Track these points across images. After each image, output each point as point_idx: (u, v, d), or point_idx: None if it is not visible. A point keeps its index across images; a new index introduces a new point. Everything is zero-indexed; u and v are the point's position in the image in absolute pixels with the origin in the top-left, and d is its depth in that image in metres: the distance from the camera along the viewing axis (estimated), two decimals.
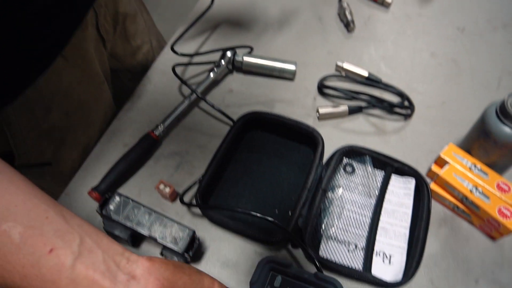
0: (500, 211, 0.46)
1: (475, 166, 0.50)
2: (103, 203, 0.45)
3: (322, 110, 0.61)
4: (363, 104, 0.62)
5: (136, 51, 0.72)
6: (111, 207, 0.45)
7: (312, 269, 0.46)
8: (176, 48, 0.65)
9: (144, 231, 0.44)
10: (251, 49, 0.69)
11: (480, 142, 0.49)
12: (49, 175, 0.57)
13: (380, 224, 0.50)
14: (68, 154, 0.58)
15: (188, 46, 0.72)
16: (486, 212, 0.46)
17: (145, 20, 0.73)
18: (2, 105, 0.46)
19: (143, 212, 0.45)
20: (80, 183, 0.57)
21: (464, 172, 0.49)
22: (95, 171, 0.57)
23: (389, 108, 0.61)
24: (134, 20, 0.69)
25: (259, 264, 0.44)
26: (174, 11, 2.14)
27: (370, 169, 0.54)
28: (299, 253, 0.50)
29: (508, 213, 0.46)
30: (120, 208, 0.45)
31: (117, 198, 0.46)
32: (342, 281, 0.47)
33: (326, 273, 0.48)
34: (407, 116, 0.61)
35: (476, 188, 0.48)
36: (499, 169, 0.50)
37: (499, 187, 0.48)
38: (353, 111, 0.61)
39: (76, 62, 0.55)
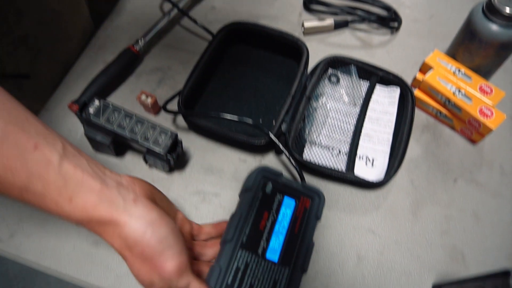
0: (481, 111, 0.46)
1: (459, 70, 0.50)
2: (83, 107, 0.44)
3: (307, 24, 0.59)
4: (349, 18, 0.60)
5: None
6: (91, 110, 0.44)
7: (295, 175, 0.47)
8: None
9: (125, 133, 0.44)
10: None
11: (465, 45, 0.48)
12: (29, 90, 0.56)
13: (364, 131, 0.51)
14: (47, 68, 0.56)
15: None
16: (468, 112, 0.47)
17: None
18: None
19: (124, 115, 0.45)
20: (60, 98, 0.56)
21: (448, 76, 0.49)
22: (75, 87, 0.56)
23: (376, 21, 0.59)
24: None
25: (253, 172, 0.43)
26: None
27: (355, 78, 0.54)
28: (283, 160, 0.50)
29: (489, 113, 0.46)
30: (100, 111, 0.45)
31: (96, 102, 0.45)
32: (325, 183, 0.48)
33: (309, 176, 0.49)
34: (394, 30, 0.60)
35: (459, 91, 0.48)
36: (483, 73, 0.50)
37: (481, 89, 0.48)
38: (339, 25, 0.60)
39: None
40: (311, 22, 0.59)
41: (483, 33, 0.45)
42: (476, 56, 0.48)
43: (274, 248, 0.39)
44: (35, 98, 0.57)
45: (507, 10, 0.43)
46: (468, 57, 0.49)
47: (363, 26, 0.61)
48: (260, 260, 0.39)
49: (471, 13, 0.47)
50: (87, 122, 0.45)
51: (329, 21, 0.59)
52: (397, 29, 0.59)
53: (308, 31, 0.59)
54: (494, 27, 0.44)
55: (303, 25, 0.59)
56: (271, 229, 0.40)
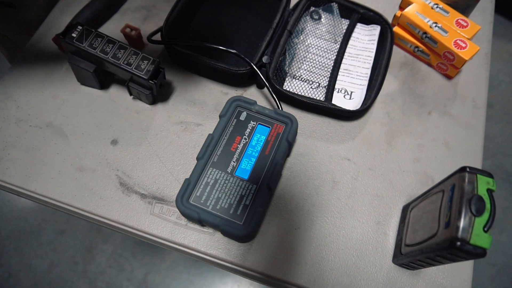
0: (455, 43, 0.48)
1: (437, 5, 0.51)
2: (66, 32, 0.45)
3: None
4: None
5: None
6: (74, 35, 0.45)
7: (274, 105, 0.48)
8: None
9: (108, 58, 0.45)
10: None
11: None
12: (15, 21, 0.56)
13: (343, 66, 0.52)
14: (33, 1, 0.56)
15: None
16: (443, 44, 0.48)
17: None
18: None
19: (107, 41, 0.45)
20: (45, 33, 0.56)
21: (426, 11, 0.50)
22: (59, 23, 0.56)
23: None
24: None
25: (228, 101, 0.46)
26: None
27: (336, 16, 0.55)
28: (264, 93, 0.51)
29: (463, 45, 0.48)
30: (83, 37, 0.45)
31: (79, 27, 0.45)
32: (304, 114, 0.50)
33: (288, 107, 0.50)
34: None
35: (436, 24, 0.49)
36: (461, 10, 0.51)
37: (457, 23, 0.49)
38: None
39: None
40: None
41: None
42: None
43: (245, 168, 0.42)
44: (23, 33, 0.58)
45: None
46: None
47: None
48: (229, 177, 0.41)
49: None
50: (70, 46, 0.46)
51: None
52: None
53: None
54: None
55: None
56: (242, 151, 0.43)
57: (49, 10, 0.58)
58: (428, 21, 0.49)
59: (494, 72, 1.46)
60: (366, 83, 0.50)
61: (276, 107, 0.48)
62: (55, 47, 0.54)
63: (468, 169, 0.31)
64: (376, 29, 0.54)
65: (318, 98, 0.49)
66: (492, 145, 1.34)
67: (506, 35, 1.55)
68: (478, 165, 0.47)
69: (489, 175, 0.30)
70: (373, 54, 0.52)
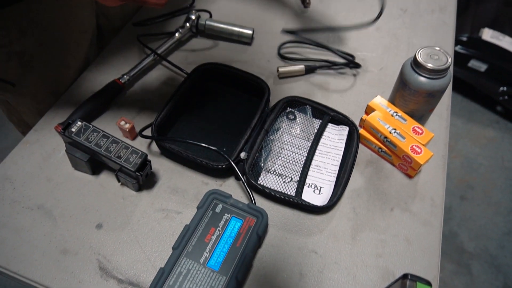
0: (412, 148, 0.54)
1: (396, 113, 0.58)
2: (66, 127, 0.51)
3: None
4: (317, 64, 0.69)
5: (126, 15, 0.78)
6: (73, 129, 0.51)
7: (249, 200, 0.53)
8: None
9: (101, 151, 0.50)
10: (210, 14, 0.76)
11: (400, 92, 0.57)
12: (14, 97, 0.63)
13: (314, 163, 0.57)
14: (33, 84, 0.63)
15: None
16: (401, 149, 0.54)
17: None
18: None
19: (102, 136, 0.51)
20: (49, 121, 0.62)
21: (386, 117, 0.57)
22: (63, 112, 0.63)
23: (339, 67, 0.68)
24: None
25: (206, 194, 0.51)
26: None
27: (309, 117, 0.61)
28: (241, 185, 0.56)
29: (419, 150, 0.54)
30: (81, 131, 0.51)
31: (79, 123, 0.51)
32: (277, 207, 0.54)
33: (263, 199, 0.55)
34: (355, 70, 0.69)
35: (395, 130, 0.56)
36: (418, 117, 0.58)
37: (414, 130, 0.56)
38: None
39: (65, 4, 0.60)
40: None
41: (412, 83, 0.54)
42: (409, 102, 0.56)
43: (217, 260, 0.45)
44: (20, 105, 0.64)
45: (429, 65, 0.52)
46: (403, 103, 0.57)
47: (329, 71, 0.69)
48: (201, 267, 0.44)
49: (403, 66, 0.55)
50: (68, 139, 0.51)
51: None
52: (358, 67, 0.68)
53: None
54: (420, 79, 0.53)
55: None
56: (215, 242, 0.46)
57: (53, 99, 0.64)
58: (388, 127, 0.56)
59: (474, 156, 1.54)
60: (334, 179, 0.55)
61: (250, 200, 0.52)
62: (57, 134, 0.60)
63: (409, 277, 0.34)
64: (344, 130, 0.60)
65: (289, 193, 0.54)
66: (475, 227, 1.37)
67: (482, 121, 1.66)
68: (436, 262, 0.50)
69: (428, 283, 0.34)
70: (341, 152, 0.58)
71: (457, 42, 1.62)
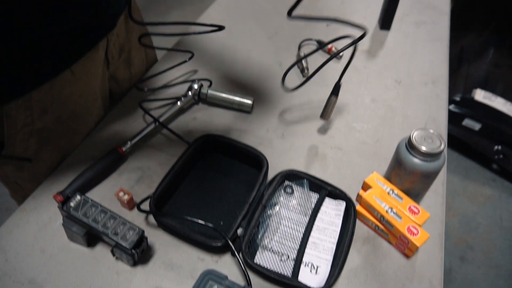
0: (408, 229, 0.54)
1: (392, 191, 0.58)
2: (65, 201, 0.51)
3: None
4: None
5: (133, 78, 0.81)
6: (72, 204, 0.51)
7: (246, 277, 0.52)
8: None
9: (98, 227, 0.50)
10: (210, 82, 0.79)
11: (396, 170, 0.58)
12: (28, 171, 0.63)
13: (311, 239, 0.57)
14: (48, 156, 0.64)
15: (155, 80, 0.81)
16: (398, 229, 0.54)
17: (146, 53, 0.83)
18: (9, 99, 0.55)
19: (100, 211, 0.51)
20: (48, 187, 0.63)
21: (383, 195, 0.58)
22: (63, 178, 0.63)
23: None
24: (138, 53, 0.79)
25: (201, 275, 0.49)
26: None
27: (306, 191, 0.62)
28: (238, 263, 0.55)
29: (415, 231, 0.54)
30: (80, 206, 0.51)
31: (78, 197, 0.52)
32: (273, 287, 0.53)
33: (259, 278, 0.54)
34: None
35: (392, 209, 0.56)
36: (414, 196, 0.59)
37: (410, 209, 0.56)
38: None
39: (81, 77, 0.63)
40: None
41: (407, 164, 0.55)
42: (405, 181, 0.57)
43: None
44: (32, 180, 0.64)
45: (423, 148, 0.53)
46: (399, 181, 0.58)
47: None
48: None
49: (398, 146, 0.57)
50: (67, 214, 0.51)
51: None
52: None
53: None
54: (415, 160, 0.54)
55: None
56: None
57: (56, 162, 0.65)
58: (385, 206, 0.56)
59: (472, 215, 1.53)
60: (331, 258, 0.55)
61: (246, 282, 0.51)
62: (54, 202, 0.60)
63: None
64: (342, 205, 0.61)
65: (286, 273, 0.53)
66: None
67: (479, 179, 1.67)
68: None
69: None
70: (338, 229, 0.58)
71: (451, 101, 1.67)
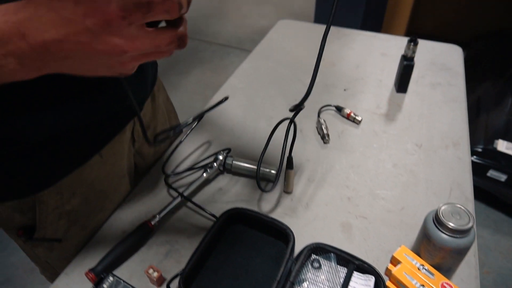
0: None
1: (423, 266, 0.57)
2: (98, 282, 0.53)
3: None
4: None
5: (158, 152, 0.85)
6: (105, 286, 0.52)
7: None
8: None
9: None
10: (229, 150, 0.81)
11: (424, 245, 0.57)
12: (57, 251, 0.65)
13: None
14: (77, 235, 0.67)
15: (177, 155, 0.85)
16: None
17: (171, 124, 0.88)
18: (43, 188, 0.58)
19: None
20: (79, 263, 0.64)
21: (413, 271, 0.57)
22: (94, 253, 0.65)
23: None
24: (163, 126, 0.84)
25: None
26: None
27: (334, 265, 0.62)
28: None
29: None
30: (112, 287, 0.52)
31: (110, 278, 0.53)
32: None
33: None
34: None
35: (423, 287, 0.55)
36: (445, 271, 0.58)
37: (443, 286, 0.55)
38: None
39: (109, 159, 0.67)
40: None
41: (435, 239, 0.54)
42: (435, 256, 0.56)
43: None
44: (61, 259, 0.66)
45: (451, 224, 0.53)
46: (429, 256, 0.57)
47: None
48: None
49: (426, 220, 0.57)
50: None
51: None
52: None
53: None
54: (443, 236, 0.54)
55: None
56: None
57: (84, 240, 0.68)
58: (416, 283, 0.55)
59: (507, 272, 1.45)
60: None
61: None
62: (86, 279, 0.62)
63: None
64: (371, 280, 0.60)
65: None
66: None
67: (511, 233, 1.60)
68: None
69: None
70: None
71: (473, 152, 1.65)
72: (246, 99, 1.00)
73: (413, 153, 0.83)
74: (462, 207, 0.55)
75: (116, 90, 0.59)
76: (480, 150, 1.64)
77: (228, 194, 0.76)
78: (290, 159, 0.72)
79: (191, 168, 0.78)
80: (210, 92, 2.65)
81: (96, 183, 0.67)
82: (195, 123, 0.82)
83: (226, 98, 0.78)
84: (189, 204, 0.74)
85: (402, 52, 0.97)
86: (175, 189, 0.73)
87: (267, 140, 0.72)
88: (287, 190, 0.75)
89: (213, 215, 0.68)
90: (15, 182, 0.58)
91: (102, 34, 0.35)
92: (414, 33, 0.99)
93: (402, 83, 0.98)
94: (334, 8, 0.50)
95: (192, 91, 2.67)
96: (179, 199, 0.71)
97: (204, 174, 0.76)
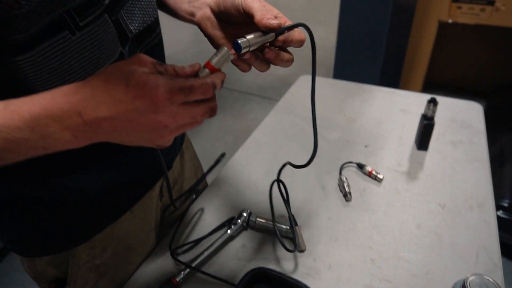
0: None
1: None
2: None
3: None
4: None
5: (184, 205, 0.88)
6: None
7: None
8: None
9: None
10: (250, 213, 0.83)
11: None
12: None
13: None
14: (105, 287, 0.68)
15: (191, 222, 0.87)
16: None
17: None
18: (78, 244, 0.62)
19: None
20: None
21: None
22: None
23: None
24: (190, 183, 0.87)
25: None
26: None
27: None
28: None
29: None
30: None
31: None
32: None
33: None
34: None
35: None
36: None
37: None
38: None
39: (138, 214, 0.70)
40: None
41: None
42: None
43: None
44: None
45: None
46: None
47: None
48: None
49: None
50: None
51: None
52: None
53: None
54: None
55: None
56: None
57: None
58: None
59: None
60: None
61: None
62: None
63: None
64: None
65: None
66: None
67: None
68: None
69: None
70: None
71: (498, 207, 1.61)
72: (270, 154, 1.03)
73: (436, 213, 0.83)
74: (491, 279, 0.54)
75: (150, 154, 0.63)
76: (506, 204, 1.60)
77: (251, 251, 0.77)
78: (291, 216, 0.75)
79: (198, 240, 0.77)
80: (231, 138, 2.71)
81: (126, 237, 0.69)
82: (195, 196, 0.86)
83: (223, 155, 0.83)
84: (213, 261, 0.75)
85: (422, 108, 0.99)
86: (185, 263, 0.71)
87: (269, 199, 0.74)
88: (300, 249, 0.75)
89: (233, 284, 0.68)
90: (52, 238, 0.61)
91: (148, 112, 0.39)
92: (433, 83, 1.02)
93: (423, 141, 1.00)
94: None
95: (214, 137, 2.74)
96: (203, 256, 0.73)
97: (228, 231, 0.77)
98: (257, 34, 0.48)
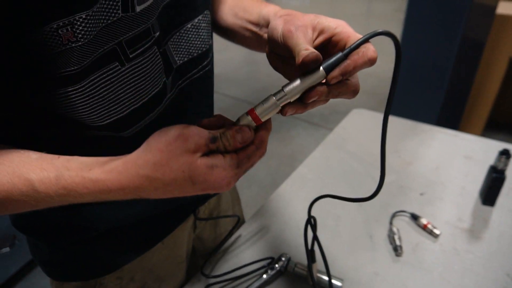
0: None
1: None
2: None
3: None
4: None
5: (218, 237, 0.84)
6: None
7: None
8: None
9: None
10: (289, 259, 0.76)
11: None
12: None
13: None
14: None
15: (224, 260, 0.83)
16: None
17: (234, 212, 0.88)
18: (106, 273, 0.60)
19: None
20: None
21: None
22: None
23: None
24: (226, 213, 0.84)
25: None
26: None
27: None
28: None
29: None
30: None
31: None
32: None
33: None
34: None
35: None
36: None
37: None
38: None
39: (169, 245, 0.68)
40: None
41: None
42: None
43: None
44: None
45: None
46: None
47: None
48: None
49: None
50: None
51: None
52: None
53: None
54: None
55: None
56: None
57: None
58: None
59: None
60: None
61: None
62: None
63: None
64: None
65: None
66: None
67: None
68: None
69: None
70: None
71: None
72: (315, 192, 0.97)
73: (504, 285, 0.72)
74: None
75: None
76: None
77: None
78: (310, 251, 0.67)
79: (233, 278, 0.73)
80: (274, 163, 2.67)
81: (155, 268, 0.67)
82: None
83: (238, 220, 0.82)
84: None
85: (488, 156, 0.89)
86: None
87: (305, 243, 0.66)
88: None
89: None
90: (82, 266, 0.60)
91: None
92: (498, 123, 0.91)
93: (489, 195, 0.89)
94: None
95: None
96: None
97: (264, 276, 0.72)
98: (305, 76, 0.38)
